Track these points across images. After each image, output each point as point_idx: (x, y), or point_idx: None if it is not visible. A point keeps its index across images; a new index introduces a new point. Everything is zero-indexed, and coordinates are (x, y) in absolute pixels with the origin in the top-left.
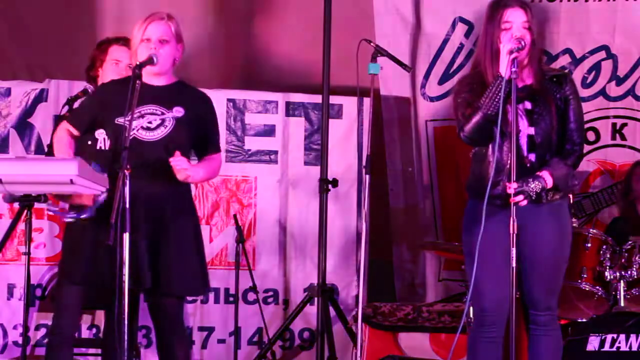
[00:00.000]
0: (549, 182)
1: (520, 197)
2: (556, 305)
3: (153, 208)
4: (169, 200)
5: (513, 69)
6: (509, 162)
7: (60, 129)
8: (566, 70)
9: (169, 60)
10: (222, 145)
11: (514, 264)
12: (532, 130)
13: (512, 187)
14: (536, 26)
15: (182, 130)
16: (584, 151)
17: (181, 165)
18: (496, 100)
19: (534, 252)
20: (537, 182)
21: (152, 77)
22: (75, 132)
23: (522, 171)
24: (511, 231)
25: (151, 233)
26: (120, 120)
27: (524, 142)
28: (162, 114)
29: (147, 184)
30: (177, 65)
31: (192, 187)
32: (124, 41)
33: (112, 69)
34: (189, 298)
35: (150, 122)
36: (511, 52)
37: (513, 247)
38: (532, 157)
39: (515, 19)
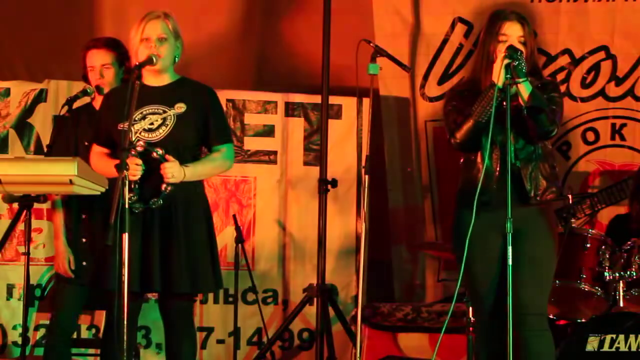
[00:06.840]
0: (528, 86)
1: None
2: (545, 307)
3: (162, 208)
4: (177, 198)
5: (507, 76)
6: (498, 168)
7: (95, 154)
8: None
9: (169, 58)
10: None
11: (510, 262)
12: (519, 143)
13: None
14: (533, 41)
15: (184, 126)
16: (583, 152)
17: (171, 173)
18: (488, 108)
19: (520, 253)
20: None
21: (153, 78)
22: (107, 150)
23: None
24: (507, 230)
25: (162, 233)
26: (121, 126)
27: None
28: (164, 112)
29: (154, 184)
30: (177, 63)
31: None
32: (95, 42)
33: (91, 76)
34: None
35: (152, 124)
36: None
37: (510, 245)
38: (518, 163)
39: (511, 32)
